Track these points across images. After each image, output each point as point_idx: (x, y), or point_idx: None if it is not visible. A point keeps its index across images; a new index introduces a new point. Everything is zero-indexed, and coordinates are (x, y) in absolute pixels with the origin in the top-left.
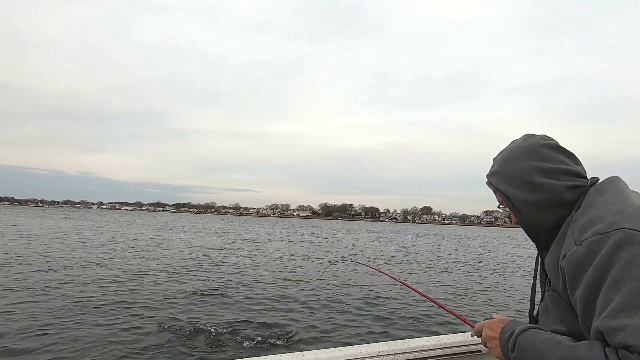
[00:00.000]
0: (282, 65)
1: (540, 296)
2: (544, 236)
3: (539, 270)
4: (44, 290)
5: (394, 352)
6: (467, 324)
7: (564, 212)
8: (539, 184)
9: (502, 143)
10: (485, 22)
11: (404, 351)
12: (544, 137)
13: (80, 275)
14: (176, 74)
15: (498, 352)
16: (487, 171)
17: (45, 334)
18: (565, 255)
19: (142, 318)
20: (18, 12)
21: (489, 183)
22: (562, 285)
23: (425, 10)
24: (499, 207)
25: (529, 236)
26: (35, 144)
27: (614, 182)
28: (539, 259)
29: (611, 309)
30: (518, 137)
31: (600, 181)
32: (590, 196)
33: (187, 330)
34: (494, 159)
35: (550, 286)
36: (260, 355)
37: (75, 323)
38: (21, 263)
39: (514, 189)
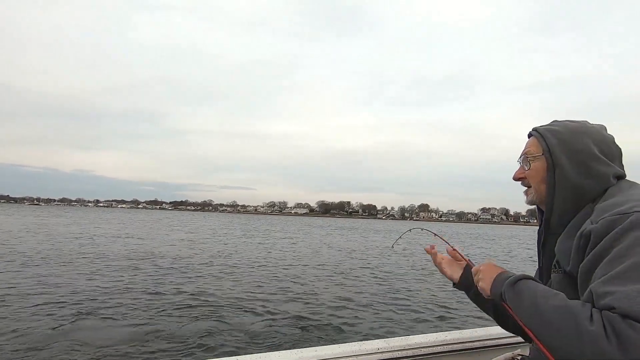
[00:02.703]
0: (280, 64)
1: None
2: (556, 219)
3: (542, 254)
4: None
5: (392, 349)
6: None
7: (587, 203)
8: (593, 172)
9: (501, 143)
10: (485, 22)
11: (402, 348)
12: (610, 135)
13: None
14: (174, 73)
15: (486, 286)
16: (485, 169)
17: None
18: (581, 234)
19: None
20: (16, 11)
21: (540, 136)
22: (572, 264)
23: (425, 10)
24: (522, 156)
25: (545, 211)
26: (31, 142)
27: (634, 184)
28: (542, 242)
29: (607, 276)
30: (586, 120)
31: (620, 181)
32: (611, 190)
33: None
34: (556, 121)
35: (559, 268)
36: (258, 352)
37: None
38: None
39: (568, 160)
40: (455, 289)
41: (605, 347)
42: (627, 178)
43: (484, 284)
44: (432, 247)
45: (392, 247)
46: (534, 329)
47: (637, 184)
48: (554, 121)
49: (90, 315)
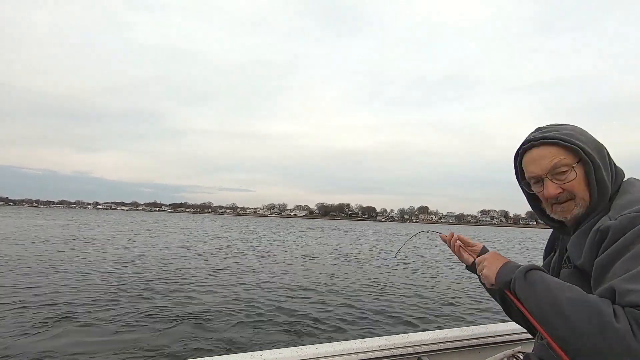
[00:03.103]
0: (280, 64)
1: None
2: (583, 220)
3: (555, 253)
4: None
5: (393, 347)
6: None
7: (606, 201)
8: (614, 169)
9: (501, 143)
10: (485, 22)
11: (403, 345)
12: None
13: None
14: (173, 73)
15: (491, 274)
16: (485, 170)
17: None
18: (598, 229)
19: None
20: (16, 11)
21: (564, 143)
22: (584, 258)
23: (425, 10)
24: (551, 171)
25: (582, 216)
26: (31, 143)
27: (638, 180)
28: (556, 242)
29: (630, 274)
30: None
31: (630, 178)
32: (624, 186)
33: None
34: (544, 126)
35: (568, 263)
36: (259, 349)
37: None
38: None
39: (600, 160)
40: (468, 270)
41: (632, 344)
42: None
43: (489, 271)
44: (451, 235)
45: (395, 256)
46: (545, 320)
47: None
48: (538, 128)
49: (67, 321)
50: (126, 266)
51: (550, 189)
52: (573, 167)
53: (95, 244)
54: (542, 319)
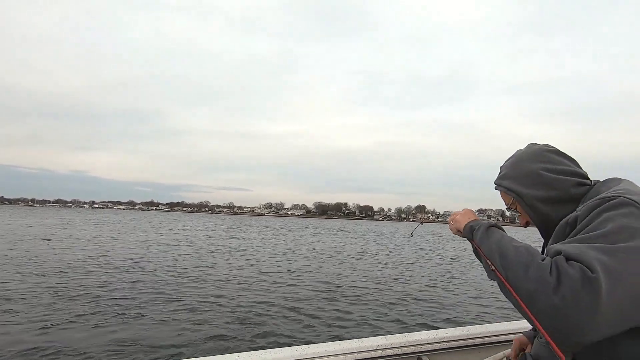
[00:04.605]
0: (279, 64)
1: None
2: (553, 231)
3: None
4: None
5: (392, 346)
6: None
7: (573, 207)
8: (548, 181)
9: (499, 142)
10: (484, 22)
11: (402, 345)
12: (546, 145)
13: None
14: (170, 72)
15: (462, 222)
16: (482, 170)
17: None
18: (567, 221)
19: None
20: (8, 9)
21: (498, 186)
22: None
23: (425, 10)
24: (508, 209)
25: (540, 232)
26: (27, 142)
27: (617, 178)
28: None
29: (570, 239)
30: (522, 147)
31: (607, 179)
32: (596, 187)
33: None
34: (501, 166)
35: None
36: (258, 349)
37: None
38: None
39: (524, 187)
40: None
41: (547, 278)
42: (628, 179)
43: (462, 218)
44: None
45: (412, 234)
46: (495, 261)
47: (619, 179)
48: (500, 167)
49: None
50: (79, 266)
51: (520, 221)
52: (512, 204)
53: (69, 244)
54: (493, 261)
